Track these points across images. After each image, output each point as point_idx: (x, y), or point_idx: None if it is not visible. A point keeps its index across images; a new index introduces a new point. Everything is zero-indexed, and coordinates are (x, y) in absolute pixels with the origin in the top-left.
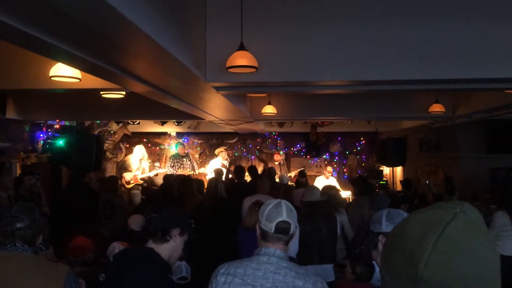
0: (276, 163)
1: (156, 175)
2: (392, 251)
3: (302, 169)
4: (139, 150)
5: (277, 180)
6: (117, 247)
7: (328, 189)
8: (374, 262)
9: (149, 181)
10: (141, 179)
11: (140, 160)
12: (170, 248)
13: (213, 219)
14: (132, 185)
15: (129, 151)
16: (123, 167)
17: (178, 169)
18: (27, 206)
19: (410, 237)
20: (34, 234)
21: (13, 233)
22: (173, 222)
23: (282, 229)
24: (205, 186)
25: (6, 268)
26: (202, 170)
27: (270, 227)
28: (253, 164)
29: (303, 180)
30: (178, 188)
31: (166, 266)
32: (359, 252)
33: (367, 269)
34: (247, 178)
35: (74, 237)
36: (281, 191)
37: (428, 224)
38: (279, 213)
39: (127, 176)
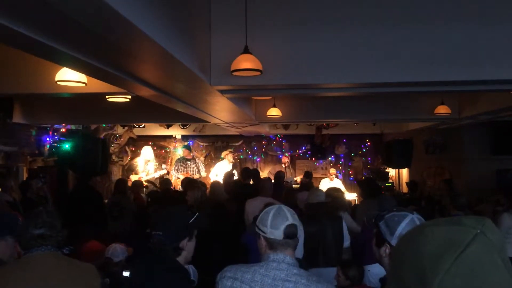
0: (283, 165)
1: (161, 176)
2: (404, 265)
3: (307, 170)
4: (147, 151)
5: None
6: (115, 247)
7: (333, 191)
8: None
9: (153, 183)
10: (146, 181)
11: (146, 162)
12: (183, 257)
13: (215, 221)
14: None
15: (135, 154)
16: (130, 169)
17: (182, 173)
18: (53, 213)
19: (424, 254)
20: (62, 238)
21: (47, 237)
22: (181, 234)
23: (291, 233)
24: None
25: (46, 263)
26: (205, 174)
27: (278, 234)
28: (258, 168)
29: (306, 181)
30: (184, 190)
31: (186, 274)
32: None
33: (359, 271)
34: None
35: (87, 241)
36: (283, 193)
37: (446, 243)
38: (283, 217)
39: (133, 178)
